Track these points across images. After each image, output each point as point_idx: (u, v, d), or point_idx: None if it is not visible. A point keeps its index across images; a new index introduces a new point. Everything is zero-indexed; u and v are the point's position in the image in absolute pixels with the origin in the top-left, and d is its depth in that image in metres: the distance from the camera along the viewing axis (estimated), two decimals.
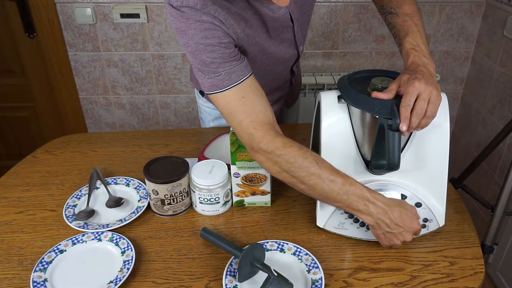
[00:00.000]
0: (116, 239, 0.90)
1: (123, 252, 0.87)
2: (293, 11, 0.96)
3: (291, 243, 0.89)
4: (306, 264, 0.85)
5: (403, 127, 0.76)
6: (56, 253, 0.87)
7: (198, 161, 1.05)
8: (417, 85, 0.76)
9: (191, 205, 1.01)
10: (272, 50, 0.99)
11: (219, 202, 0.97)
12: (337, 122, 0.89)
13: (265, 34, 0.94)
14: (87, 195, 1.03)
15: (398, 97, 0.81)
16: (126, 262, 0.84)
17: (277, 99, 1.25)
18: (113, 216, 0.98)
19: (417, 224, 0.83)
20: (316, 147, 0.93)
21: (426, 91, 0.76)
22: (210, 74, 0.84)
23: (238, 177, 0.97)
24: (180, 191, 0.96)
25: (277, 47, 1.00)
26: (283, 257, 0.87)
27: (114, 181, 1.08)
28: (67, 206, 1.00)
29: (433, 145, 0.88)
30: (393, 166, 0.80)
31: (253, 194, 1.00)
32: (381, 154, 0.83)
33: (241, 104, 0.85)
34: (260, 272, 0.82)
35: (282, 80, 1.19)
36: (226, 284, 0.80)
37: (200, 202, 0.97)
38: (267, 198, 1.01)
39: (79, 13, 1.94)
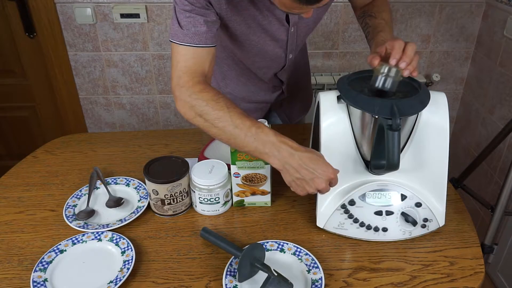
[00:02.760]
0: (116, 239, 0.90)
1: (123, 252, 0.87)
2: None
3: (291, 243, 0.89)
4: (306, 264, 0.85)
5: (393, 61, 0.78)
6: (56, 253, 0.87)
7: (198, 161, 1.05)
8: (399, 40, 0.81)
9: (191, 205, 1.01)
10: (259, 39, 1.01)
11: (219, 202, 0.98)
12: (336, 122, 0.89)
13: (256, 19, 0.96)
14: (87, 195, 1.03)
15: (398, 98, 0.82)
16: (126, 262, 0.84)
17: (261, 102, 1.26)
18: (113, 216, 0.98)
19: (331, 171, 0.81)
20: (316, 147, 0.93)
21: (408, 42, 0.82)
22: (179, 25, 0.87)
23: (238, 177, 0.97)
24: (180, 191, 0.96)
25: (265, 38, 1.01)
26: (283, 257, 0.87)
27: (114, 181, 1.08)
28: (67, 206, 1.00)
29: (433, 145, 0.88)
30: (393, 166, 0.80)
31: (253, 194, 1.00)
32: (381, 154, 0.83)
33: (185, 54, 0.88)
34: (260, 272, 0.82)
35: (266, 85, 1.20)
36: (226, 284, 0.80)
37: (200, 202, 0.97)
38: (267, 198, 1.01)
39: (79, 13, 1.94)
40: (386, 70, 0.80)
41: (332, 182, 0.83)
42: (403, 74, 0.80)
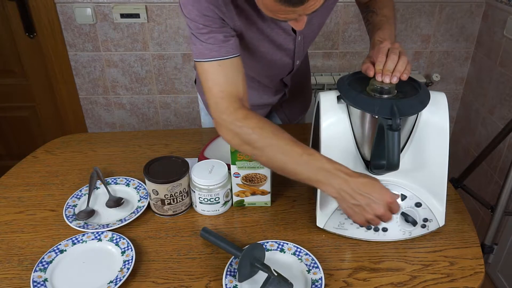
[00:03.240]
0: (116, 239, 0.90)
1: (123, 252, 0.87)
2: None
3: (291, 243, 0.89)
4: (306, 264, 0.85)
5: (378, 77, 0.80)
6: (56, 253, 0.87)
7: (198, 161, 1.05)
8: (385, 43, 0.85)
9: (191, 205, 1.01)
10: (267, 50, 1.00)
11: (219, 202, 0.98)
12: (336, 123, 0.89)
13: (264, 32, 0.95)
14: (87, 195, 1.03)
15: (398, 98, 0.82)
16: (126, 262, 0.84)
17: (263, 105, 1.26)
18: (113, 216, 0.98)
19: (389, 195, 0.79)
20: (316, 147, 0.93)
21: (395, 46, 0.84)
22: (202, 42, 0.86)
23: (238, 177, 0.97)
24: (180, 191, 0.96)
25: (273, 49, 1.01)
26: (283, 257, 0.87)
27: (114, 181, 1.08)
28: (67, 206, 1.00)
29: (433, 145, 0.88)
30: (393, 166, 0.80)
31: (253, 194, 1.00)
32: (381, 154, 0.83)
33: (216, 72, 0.86)
34: (260, 272, 0.82)
35: (270, 89, 1.20)
36: (226, 284, 0.80)
37: (200, 202, 0.97)
38: (267, 198, 1.01)
39: (79, 13, 1.94)
40: (378, 87, 0.82)
41: (393, 208, 0.80)
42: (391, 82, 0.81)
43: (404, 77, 0.81)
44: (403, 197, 0.89)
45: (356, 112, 0.86)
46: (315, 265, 0.84)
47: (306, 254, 0.87)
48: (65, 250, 0.88)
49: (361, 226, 0.82)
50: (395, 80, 0.80)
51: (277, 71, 1.12)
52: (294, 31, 0.98)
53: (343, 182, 0.78)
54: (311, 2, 0.67)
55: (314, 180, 0.80)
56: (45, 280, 0.81)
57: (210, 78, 0.87)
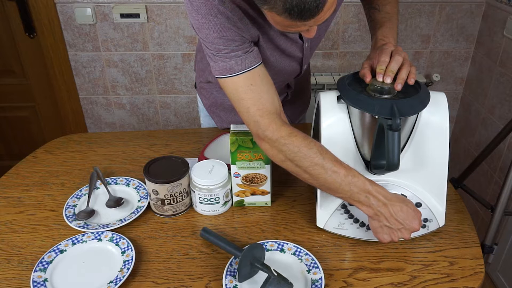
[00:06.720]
0: (116, 239, 0.90)
1: (123, 252, 0.87)
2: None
3: (291, 243, 0.89)
4: (306, 264, 0.85)
5: (380, 77, 0.82)
6: (56, 253, 0.87)
7: (198, 161, 1.05)
8: (389, 45, 0.87)
9: (191, 205, 1.01)
10: (276, 59, 1.01)
11: (219, 202, 0.98)
12: (336, 123, 0.89)
13: (273, 41, 0.95)
14: (87, 195, 1.03)
15: (398, 98, 0.82)
16: (126, 262, 0.85)
17: None
18: (113, 216, 0.98)
19: (417, 224, 0.82)
20: None
21: (398, 48, 0.86)
22: (224, 58, 0.85)
23: (238, 177, 0.97)
24: (180, 191, 0.96)
25: (282, 57, 1.01)
26: (283, 257, 0.87)
27: (114, 181, 1.08)
28: (67, 206, 1.00)
29: (433, 145, 0.88)
30: (393, 166, 0.80)
31: (253, 194, 1.00)
32: (381, 154, 0.83)
33: (249, 91, 0.86)
34: (260, 272, 0.82)
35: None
36: (226, 284, 0.80)
37: (200, 202, 0.97)
38: (267, 198, 1.01)
39: (79, 13, 1.94)
40: (379, 87, 0.82)
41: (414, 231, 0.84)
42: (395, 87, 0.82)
43: (412, 82, 0.82)
44: None
45: (356, 112, 0.86)
46: (315, 265, 0.84)
47: (306, 254, 0.87)
48: (65, 250, 0.88)
49: (381, 242, 0.85)
50: (398, 88, 0.81)
51: (286, 76, 1.13)
52: (301, 38, 0.98)
53: (382, 204, 0.80)
54: (321, 14, 0.68)
55: (355, 199, 0.82)
56: (45, 280, 0.81)
57: (243, 98, 0.86)
